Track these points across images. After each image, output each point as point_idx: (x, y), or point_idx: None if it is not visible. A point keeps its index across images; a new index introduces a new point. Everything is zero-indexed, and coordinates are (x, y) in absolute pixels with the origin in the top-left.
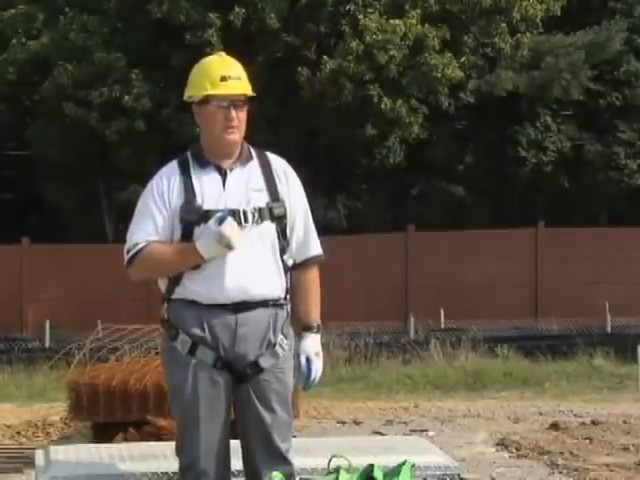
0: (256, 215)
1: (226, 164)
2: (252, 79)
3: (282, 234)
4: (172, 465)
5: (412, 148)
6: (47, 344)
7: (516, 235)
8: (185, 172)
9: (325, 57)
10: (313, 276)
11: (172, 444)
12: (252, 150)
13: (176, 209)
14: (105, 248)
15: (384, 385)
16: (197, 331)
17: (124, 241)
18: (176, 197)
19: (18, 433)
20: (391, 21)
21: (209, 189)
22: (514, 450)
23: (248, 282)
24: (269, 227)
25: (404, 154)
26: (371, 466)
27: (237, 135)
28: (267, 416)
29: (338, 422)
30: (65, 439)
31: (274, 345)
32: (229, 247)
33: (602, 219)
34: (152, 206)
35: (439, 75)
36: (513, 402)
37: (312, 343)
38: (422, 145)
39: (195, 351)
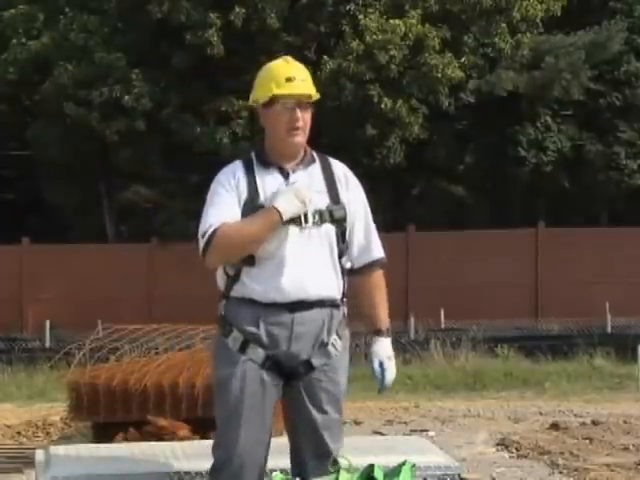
0: (316, 217)
1: (289, 165)
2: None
3: (341, 237)
4: (173, 465)
5: (412, 148)
6: (47, 344)
7: (516, 235)
8: (249, 171)
9: (325, 57)
10: (377, 280)
11: (172, 444)
12: (314, 154)
13: (241, 204)
14: (105, 248)
15: None
16: (251, 328)
17: (124, 241)
18: (241, 192)
19: (18, 433)
20: (391, 21)
21: (272, 188)
22: (514, 450)
23: (305, 282)
24: (329, 229)
25: (404, 154)
26: (371, 466)
27: (301, 137)
28: (318, 416)
29: None
30: (65, 439)
31: (326, 344)
32: (304, 204)
33: (602, 219)
34: (224, 195)
35: (439, 75)
36: (513, 402)
37: (383, 347)
38: (422, 145)
39: (246, 349)
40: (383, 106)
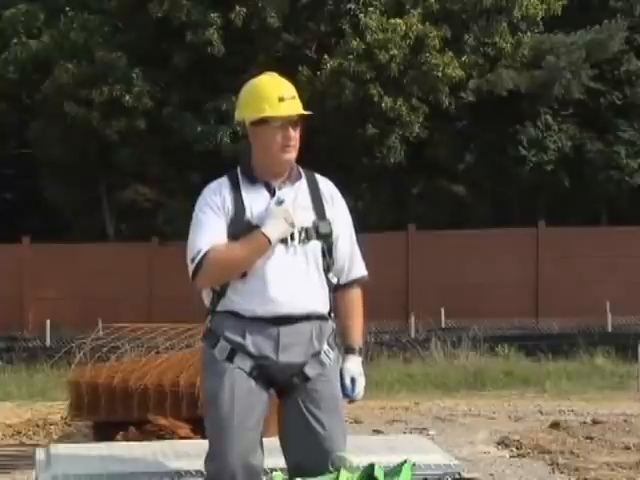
0: (302, 234)
1: (275, 182)
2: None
3: (327, 252)
4: (172, 464)
5: (413, 147)
6: (48, 343)
7: (517, 234)
8: (235, 188)
9: (326, 56)
10: (355, 297)
11: (173, 442)
12: (301, 170)
13: (227, 222)
14: (106, 247)
15: (385, 384)
16: (237, 338)
17: (124, 240)
18: (227, 210)
19: (19, 432)
20: (392, 20)
21: (258, 205)
22: (515, 449)
23: (291, 298)
24: (315, 245)
25: (405, 153)
26: (372, 465)
27: (293, 154)
28: (316, 425)
29: None
30: (66, 438)
31: (319, 354)
32: (293, 225)
33: (603, 218)
34: (210, 214)
35: (440, 74)
36: (514, 401)
37: (355, 365)
38: (423, 144)
39: (233, 357)
40: (383, 105)
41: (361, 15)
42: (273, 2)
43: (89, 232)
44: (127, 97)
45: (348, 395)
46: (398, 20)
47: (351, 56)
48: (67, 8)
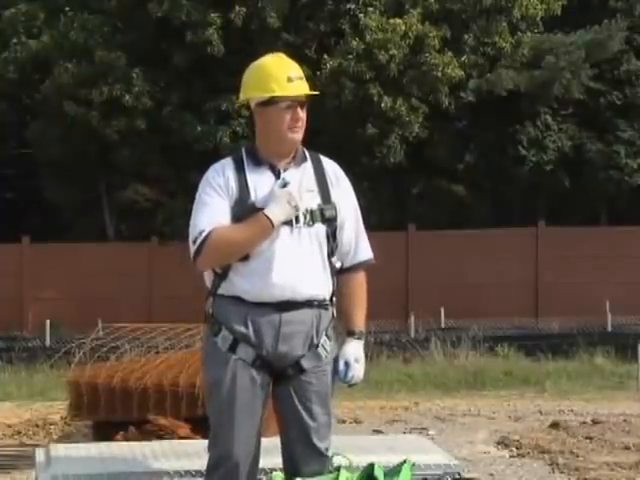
0: (308, 217)
1: (281, 164)
2: None
3: (332, 236)
4: (172, 464)
5: (413, 147)
6: (47, 343)
7: (516, 234)
8: (240, 169)
9: (325, 56)
10: (360, 280)
11: (172, 442)
12: (306, 152)
13: (231, 203)
14: (105, 247)
15: (385, 384)
16: (240, 328)
17: (124, 240)
18: (231, 191)
19: (19, 432)
20: (391, 20)
21: (262, 187)
22: (514, 449)
23: (294, 281)
24: (319, 228)
25: (404, 153)
26: (372, 465)
27: (300, 134)
28: (307, 417)
29: (338, 421)
30: (66, 438)
31: (317, 346)
32: (296, 208)
33: (602, 218)
34: (213, 195)
35: (439, 74)
36: (513, 401)
37: (353, 349)
38: (422, 144)
39: (236, 348)
40: (383, 105)
41: (361, 15)
42: (273, 2)
43: (89, 232)
44: (127, 97)
45: (340, 379)
46: (398, 20)
47: (351, 56)
48: (67, 8)
